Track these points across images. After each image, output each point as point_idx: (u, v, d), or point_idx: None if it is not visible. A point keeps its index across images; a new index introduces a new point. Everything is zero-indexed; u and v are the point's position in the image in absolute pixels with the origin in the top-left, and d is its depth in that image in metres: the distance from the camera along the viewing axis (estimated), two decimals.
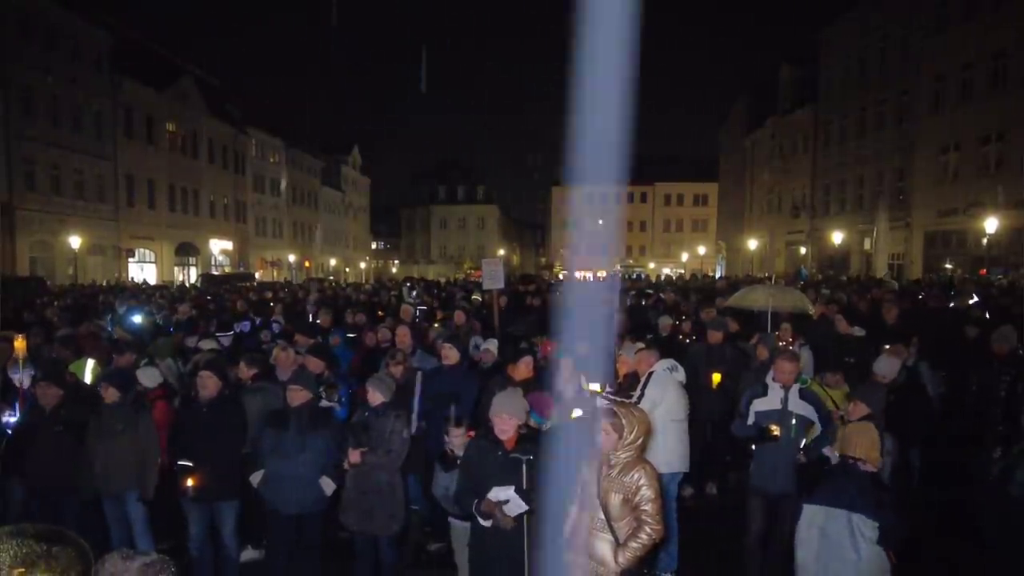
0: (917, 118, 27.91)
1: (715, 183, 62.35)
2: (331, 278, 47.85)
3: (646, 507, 3.79)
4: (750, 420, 5.43)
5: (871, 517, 3.97)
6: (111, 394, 5.50)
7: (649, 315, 11.24)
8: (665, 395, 5.64)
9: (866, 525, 3.98)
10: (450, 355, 6.66)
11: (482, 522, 4.09)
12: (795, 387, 5.39)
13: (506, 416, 4.21)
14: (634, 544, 3.75)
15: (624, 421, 3.86)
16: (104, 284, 26.59)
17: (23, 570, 1.44)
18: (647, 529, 3.76)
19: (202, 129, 42.72)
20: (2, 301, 15.67)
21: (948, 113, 26.18)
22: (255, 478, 5.18)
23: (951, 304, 11.77)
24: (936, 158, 27.09)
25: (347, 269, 65.70)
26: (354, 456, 5.01)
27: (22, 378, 6.30)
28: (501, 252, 60.46)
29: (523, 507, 3.98)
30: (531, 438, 4.30)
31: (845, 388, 6.38)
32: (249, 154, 49.05)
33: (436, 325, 10.66)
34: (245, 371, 6.41)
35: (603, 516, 3.86)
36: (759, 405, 5.41)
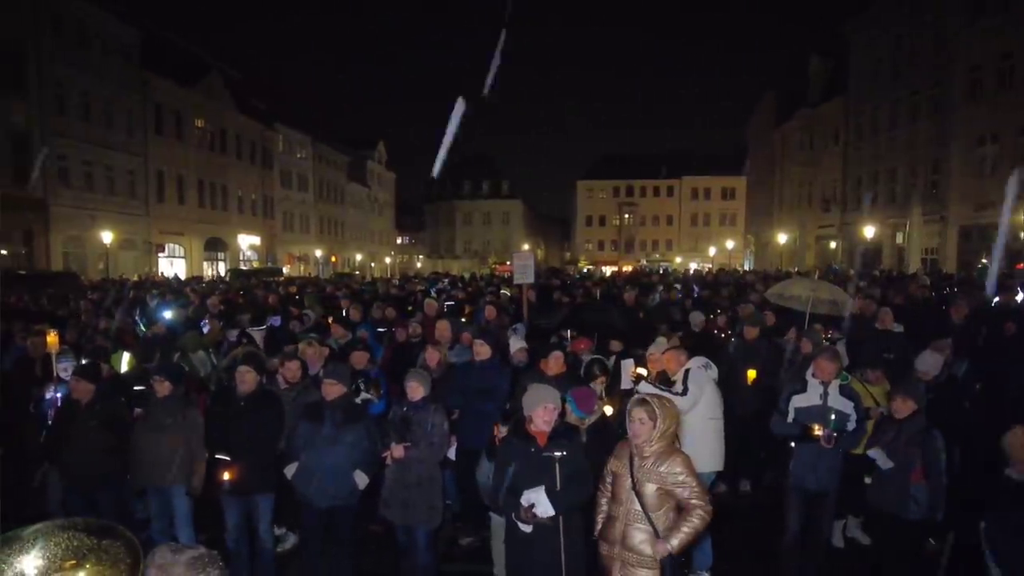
0: (953, 109, 27.27)
1: (743, 177, 61.66)
2: (357, 272, 48.12)
3: (693, 490, 3.79)
4: (790, 417, 5.34)
5: None
6: (164, 387, 5.54)
7: (671, 310, 11.07)
8: (703, 392, 5.56)
9: None
10: (481, 350, 6.63)
11: (523, 528, 4.06)
12: (835, 383, 5.30)
13: (551, 407, 4.17)
14: (686, 528, 3.75)
15: (658, 411, 3.84)
16: (136, 279, 27.00)
17: (74, 562, 1.44)
18: (698, 512, 3.76)
19: (230, 125, 43.17)
20: (38, 295, 15.99)
21: (986, 104, 25.57)
22: (289, 470, 5.21)
23: (995, 299, 11.46)
24: (973, 150, 26.49)
25: (372, 264, 66.12)
26: (398, 451, 5.02)
27: (66, 367, 6.40)
28: (526, 247, 60.38)
29: (551, 511, 3.95)
30: (563, 434, 4.26)
31: (886, 385, 6.26)
32: (276, 150, 49.46)
33: (463, 320, 10.64)
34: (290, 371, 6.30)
35: (639, 507, 3.82)
36: (798, 401, 5.33)
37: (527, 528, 4.04)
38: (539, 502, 3.95)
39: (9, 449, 6.55)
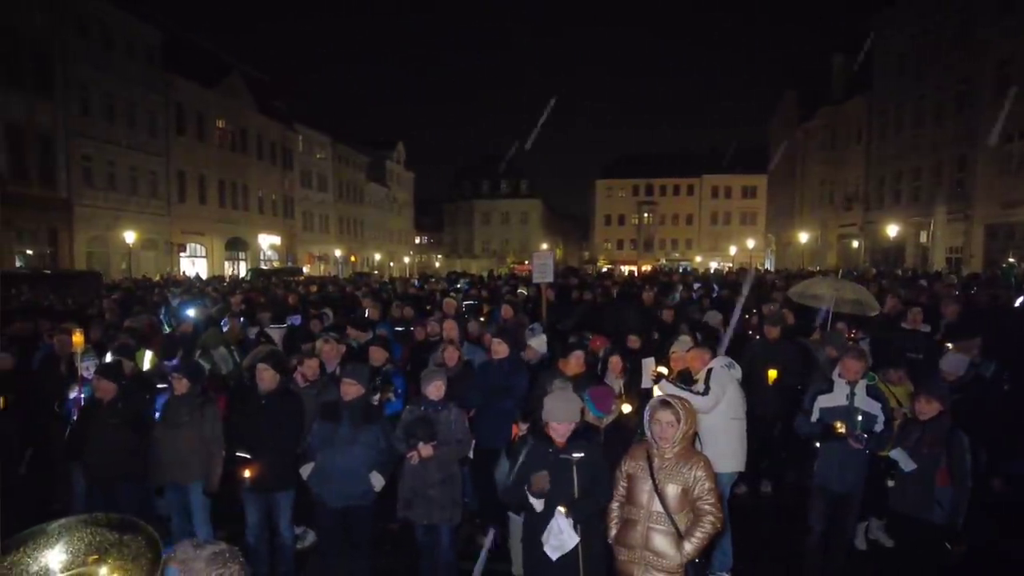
0: (980, 106, 26.84)
1: (764, 175, 61.15)
2: (376, 272, 48.36)
3: (707, 496, 3.78)
4: (815, 417, 5.28)
5: None
6: (183, 385, 5.58)
7: (690, 309, 10.99)
8: (725, 392, 5.51)
9: None
10: (499, 349, 6.63)
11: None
12: (862, 383, 5.22)
13: (566, 423, 4.15)
14: (699, 534, 3.74)
15: (681, 413, 3.84)
16: (158, 278, 27.30)
17: (97, 557, 1.46)
18: (710, 518, 3.75)
19: (251, 125, 43.54)
20: (64, 295, 16.23)
21: (1013, 100, 25.13)
22: (304, 470, 5.23)
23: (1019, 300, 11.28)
24: (1000, 147, 26.07)
25: (391, 264, 66.39)
26: (426, 451, 5.01)
27: (88, 366, 6.47)
28: (544, 246, 60.31)
29: (575, 540, 3.94)
30: (582, 434, 4.23)
31: (908, 385, 6.16)
32: (296, 150, 49.80)
33: (481, 319, 10.63)
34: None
35: (661, 509, 3.79)
36: (824, 401, 5.26)
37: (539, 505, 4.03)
38: (564, 529, 3.94)
39: (35, 447, 6.66)
